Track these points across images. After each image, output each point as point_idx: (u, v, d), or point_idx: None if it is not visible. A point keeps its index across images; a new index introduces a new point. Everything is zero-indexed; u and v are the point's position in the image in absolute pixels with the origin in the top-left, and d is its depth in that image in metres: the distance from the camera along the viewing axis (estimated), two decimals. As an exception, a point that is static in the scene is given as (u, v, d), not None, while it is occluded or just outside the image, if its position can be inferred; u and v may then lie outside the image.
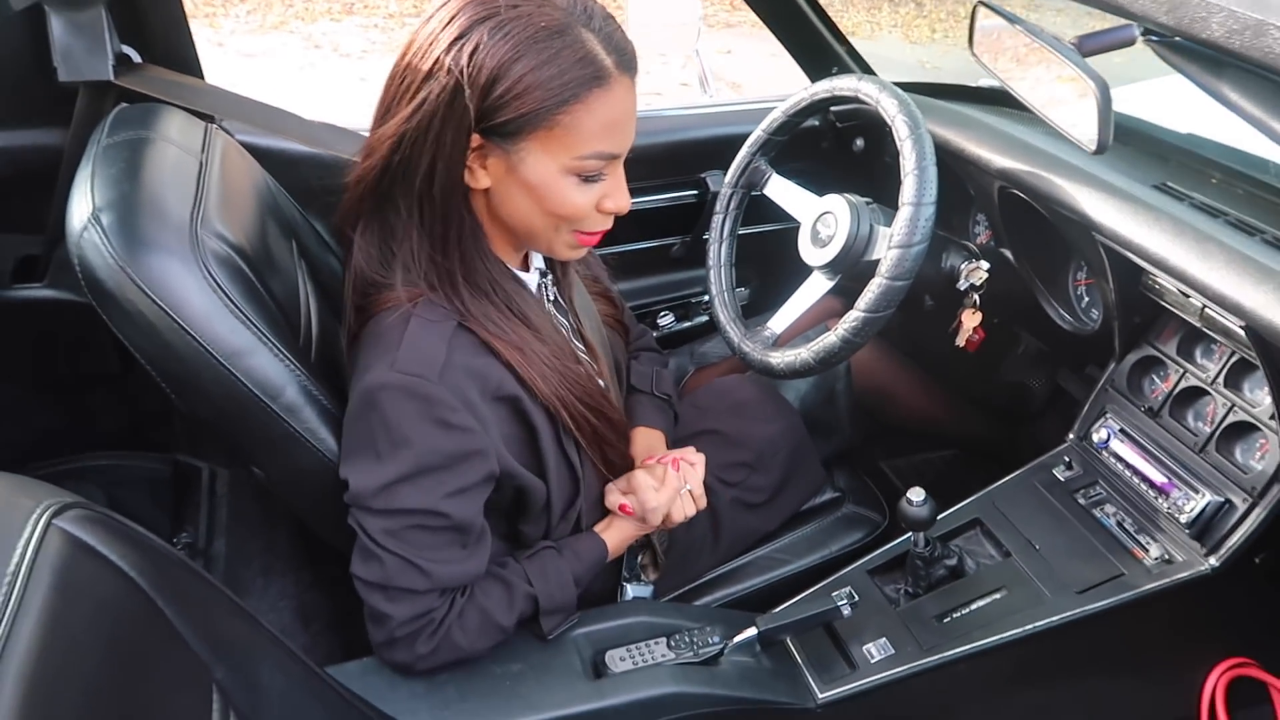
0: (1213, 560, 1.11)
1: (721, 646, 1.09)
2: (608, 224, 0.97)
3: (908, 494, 1.13)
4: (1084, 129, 1.04)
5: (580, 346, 1.12)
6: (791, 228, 1.38)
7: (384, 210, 0.95)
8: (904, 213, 1.14)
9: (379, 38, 5.74)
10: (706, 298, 1.53)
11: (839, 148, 1.78)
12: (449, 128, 0.87)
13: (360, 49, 5.54)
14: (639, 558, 1.23)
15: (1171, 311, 1.21)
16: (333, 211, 0.97)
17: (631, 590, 1.20)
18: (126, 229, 0.85)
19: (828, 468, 1.45)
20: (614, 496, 1.10)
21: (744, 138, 1.45)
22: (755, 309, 1.83)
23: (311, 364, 0.98)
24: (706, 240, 1.48)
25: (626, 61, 0.89)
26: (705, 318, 1.86)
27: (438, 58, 0.86)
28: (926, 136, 1.16)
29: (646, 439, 1.20)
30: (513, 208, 0.93)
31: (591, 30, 0.86)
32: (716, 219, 1.47)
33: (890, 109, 1.19)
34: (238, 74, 4.93)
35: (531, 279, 1.05)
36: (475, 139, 0.88)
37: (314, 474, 0.95)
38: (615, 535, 1.10)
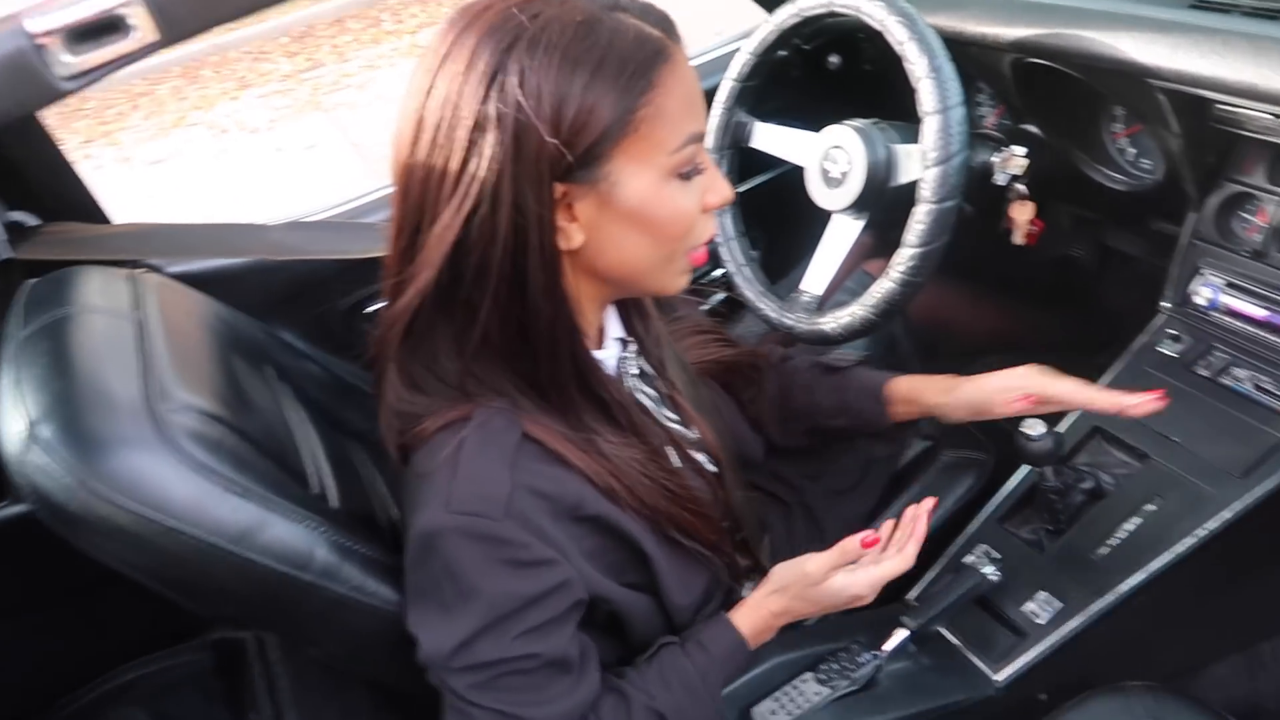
0: (1377, 397, 0.97)
1: (876, 662, 0.96)
2: (713, 226, 0.83)
3: (1022, 429, 0.99)
4: None
5: (672, 417, 0.95)
6: (787, 170, 1.24)
7: (433, 327, 0.78)
8: (931, 123, 0.99)
9: (281, 102, 5.53)
10: (718, 273, 1.38)
11: (811, 71, 1.62)
12: (526, 185, 0.70)
13: (267, 120, 5.34)
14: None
15: (1250, 138, 1.06)
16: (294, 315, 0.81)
17: (755, 623, 1.07)
18: (74, 436, 0.70)
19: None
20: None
21: (710, 94, 1.30)
22: (773, 271, 1.68)
23: (332, 510, 0.83)
24: None
25: (670, 27, 0.76)
26: (721, 295, 1.71)
27: (477, 111, 0.69)
28: (929, 31, 1.01)
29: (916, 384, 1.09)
30: (617, 252, 0.77)
31: (623, 9, 0.73)
32: (709, 190, 1.31)
33: (876, 13, 1.04)
34: (152, 184, 4.75)
35: (609, 355, 0.89)
36: (557, 188, 0.72)
37: (376, 634, 0.81)
38: (750, 617, 0.92)
